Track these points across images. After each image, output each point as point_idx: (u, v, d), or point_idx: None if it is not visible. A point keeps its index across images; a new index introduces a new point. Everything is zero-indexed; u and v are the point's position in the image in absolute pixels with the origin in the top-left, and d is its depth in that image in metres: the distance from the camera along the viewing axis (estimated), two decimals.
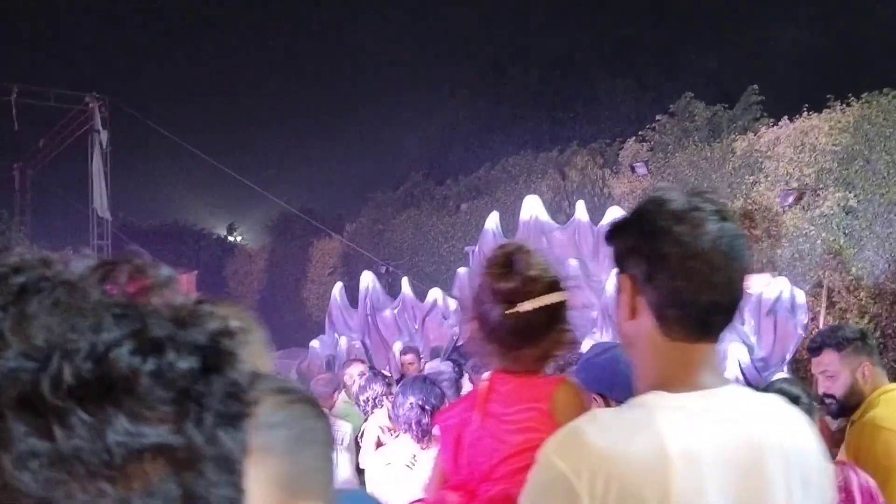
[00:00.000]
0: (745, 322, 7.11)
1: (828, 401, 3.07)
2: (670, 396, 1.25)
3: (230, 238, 32.66)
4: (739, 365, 6.76)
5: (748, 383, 6.83)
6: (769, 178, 15.27)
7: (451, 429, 1.85)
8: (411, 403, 3.79)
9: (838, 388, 3.01)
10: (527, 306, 1.74)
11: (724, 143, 16.59)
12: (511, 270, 1.78)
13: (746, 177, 15.57)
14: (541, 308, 1.75)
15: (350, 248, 23.87)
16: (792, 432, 1.33)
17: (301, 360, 9.88)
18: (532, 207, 8.68)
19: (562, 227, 8.48)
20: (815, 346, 3.12)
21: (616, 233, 1.38)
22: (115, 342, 0.42)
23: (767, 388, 3.14)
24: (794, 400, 2.69)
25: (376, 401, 4.53)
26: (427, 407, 3.80)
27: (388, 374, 5.18)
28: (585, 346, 7.30)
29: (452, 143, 26.64)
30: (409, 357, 7.38)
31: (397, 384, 5.08)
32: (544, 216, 8.64)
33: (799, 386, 3.10)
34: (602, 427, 1.23)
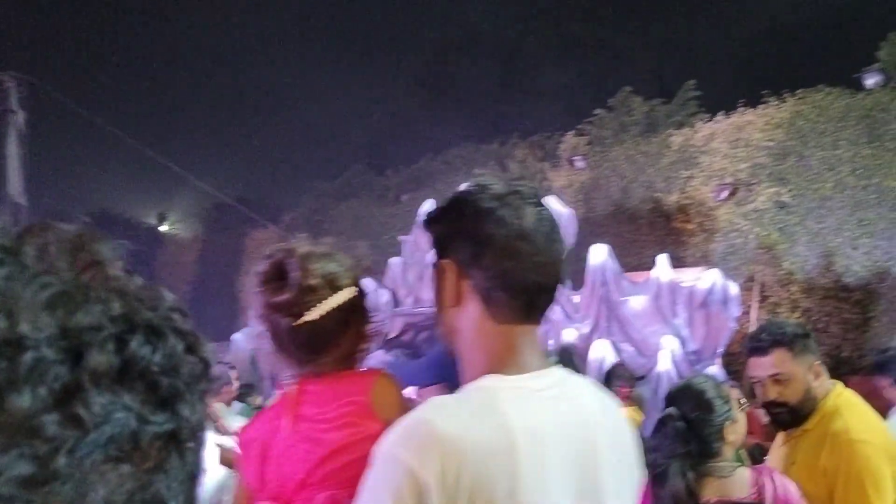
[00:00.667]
0: (678, 315, 7.02)
1: (777, 410, 2.61)
2: (507, 378, 1.23)
3: (161, 228, 31.67)
4: (672, 357, 6.68)
5: (681, 376, 6.75)
6: (704, 173, 15.38)
7: (255, 442, 1.66)
8: None
9: (793, 394, 2.57)
10: (313, 315, 1.61)
11: (660, 138, 16.66)
12: (285, 282, 1.63)
13: (682, 171, 15.66)
14: (331, 311, 1.62)
15: (287, 239, 23.38)
16: (610, 413, 1.35)
17: (225, 354, 9.50)
18: None
19: None
20: (762, 346, 2.62)
21: (436, 218, 1.35)
22: (128, 330, 0.45)
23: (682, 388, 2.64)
24: (707, 405, 2.42)
25: None
26: None
27: None
28: None
29: (394, 133, 26.34)
30: None
31: None
32: None
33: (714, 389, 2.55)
34: (449, 414, 1.17)
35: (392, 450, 1.14)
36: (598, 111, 18.63)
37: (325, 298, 1.62)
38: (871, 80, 12.96)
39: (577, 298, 7.29)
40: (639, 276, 7.36)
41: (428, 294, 8.38)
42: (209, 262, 26.02)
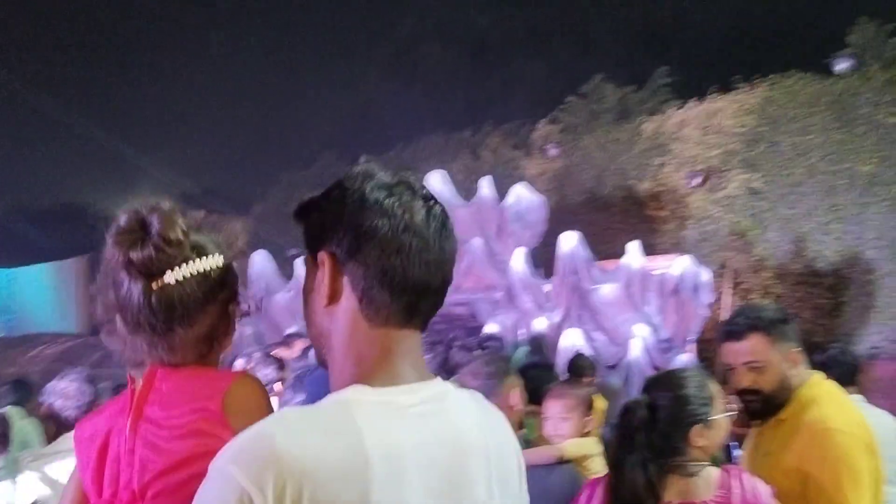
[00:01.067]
0: (649, 302, 6.91)
1: (749, 398, 2.45)
2: (372, 391, 1.11)
3: None
4: (644, 345, 6.56)
5: (653, 364, 6.65)
6: (676, 160, 15.36)
7: (94, 439, 1.44)
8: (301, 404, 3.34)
9: (768, 382, 2.41)
10: (174, 276, 1.41)
11: (632, 125, 16.59)
12: (146, 235, 1.41)
13: (654, 158, 15.63)
14: (192, 278, 1.42)
15: (257, 230, 23.11)
16: (493, 431, 1.25)
17: None
18: (435, 184, 8.27)
19: (466, 204, 8.10)
20: (738, 330, 2.46)
21: (314, 205, 1.21)
22: None
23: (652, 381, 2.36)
24: (681, 400, 2.17)
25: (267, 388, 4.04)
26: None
27: (282, 356, 4.57)
28: (490, 329, 6.99)
29: (365, 123, 26.05)
30: (297, 344, 6.88)
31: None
32: (449, 193, 8.25)
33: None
34: (292, 429, 1.04)
35: (225, 465, 1.02)
36: (569, 98, 18.49)
37: (189, 261, 1.42)
38: (841, 66, 12.95)
39: (547, 287, 7.16)
40: (610, 265, 7.24)
41: None
42: None
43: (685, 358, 6.54)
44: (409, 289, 1.14)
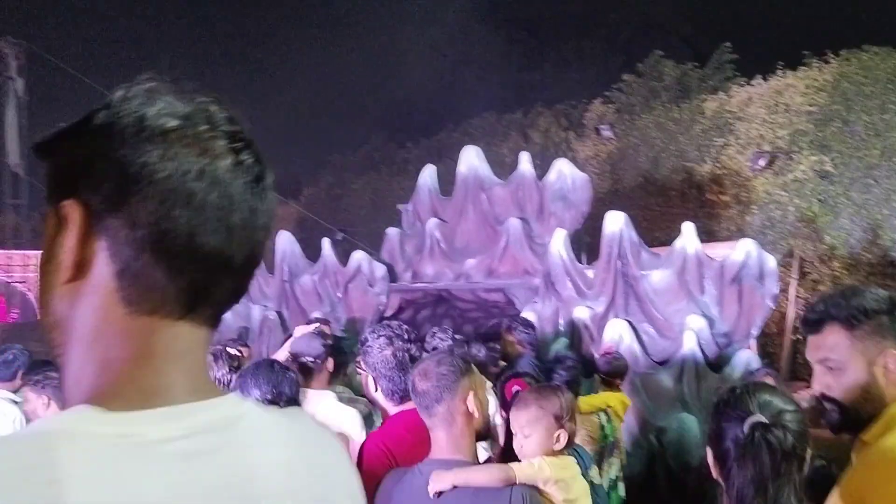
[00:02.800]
0: (706, 291, 6.17)
1: (828, 406, 1.92)
2: (104, 417, 0.72)
3: None
4: (698, 339, 5.84)
5: (708, 361, 5.91)
6: (740, 141, 14.63)
7: None
8: (255, 401, 2.76)
9: (845, 389, 1.87)
10: None
11: (693, 104, 15.94)
12: None
13: (716, 139, 14.94)
14: None
15: (306, 214, 22.93)
16: (312, 469, 0.87)
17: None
18: (470, 159, 7.63)
19: (503, 182, 7.45)
20: (814, 319, 1.95)
21: (65, 136, 0.79)
22: None
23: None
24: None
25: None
26: (280, 402, 2.80)
27: (237, 352, 3.97)
28: (527, 317, 6.34)
29: (415, 104, 25.55)
30: (323, 329, 6.39)
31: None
32: (485, 169, 7.60)
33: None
34: None
35: None
36: (626, 77, 17.73)
37: None
38: None
39: (590, 273, 6.46)
40: (663, 251, 6.51)
41: (431, 268, 7.60)
42: None
43: (747, 355, 5.79)
44: (197, 262, 0.76)
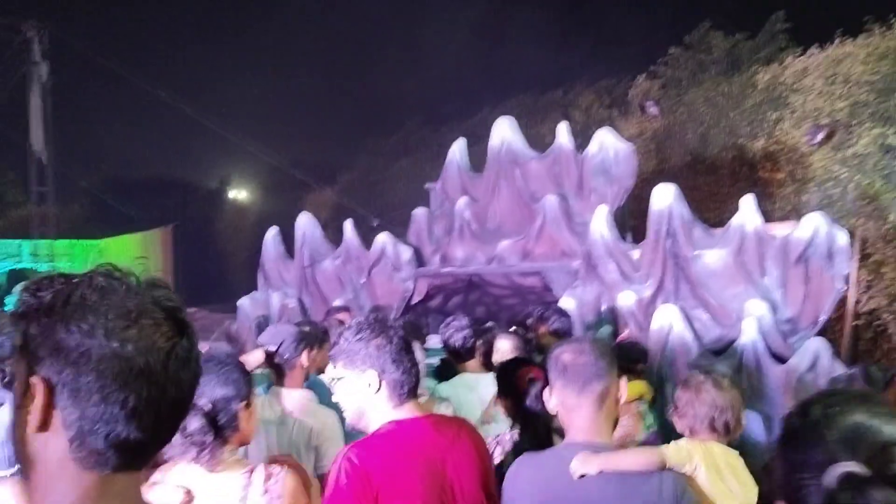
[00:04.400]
0: (768, 273, 5.47)
1: None
2: None
3: (226, 192, 31.21)
4: (759, 328, 5.15)
5: (770, 351, 5.23)
6: (795, 114, 13.81)
7: None
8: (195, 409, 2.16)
9: None
10: None
11: (744, 77, 15.12)
12: None
13: (769, 113, 14.14)
14: None
15: (341, 200, 22.56)
16: None
17: (229, 321, 8.38)
18: (503, 132, 7.00)
19: (540, 155, 6.80)
20: None
21: (39, 310, 0.99)
22: None
23: None
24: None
25: None
26: (232, 406, 2.20)
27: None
28: (566, 304, 5.73)
29: (452, 85, 24.93)
30: (342, 317, 5.84)
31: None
32: (519, 143, 6.96)
33: None
34: None
35: None
36: (672, 50, 16.89)
37: None
38: None
39: (636, 253, 5.81)
40: (718, 231, 5.84)
41: (461, 251, 7.01)
42: (268, 225, 25.42)
43: (816, 344, 5.09)
44: (132, 441, 0.99)
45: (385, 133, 24.96)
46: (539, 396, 3.02)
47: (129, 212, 23.59)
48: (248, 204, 29.02)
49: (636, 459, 2.22)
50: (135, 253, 22.58)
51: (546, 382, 3.10)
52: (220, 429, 2.16)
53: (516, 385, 3.14)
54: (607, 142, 6.38)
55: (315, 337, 3.61)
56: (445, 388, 4.03)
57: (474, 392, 3.62)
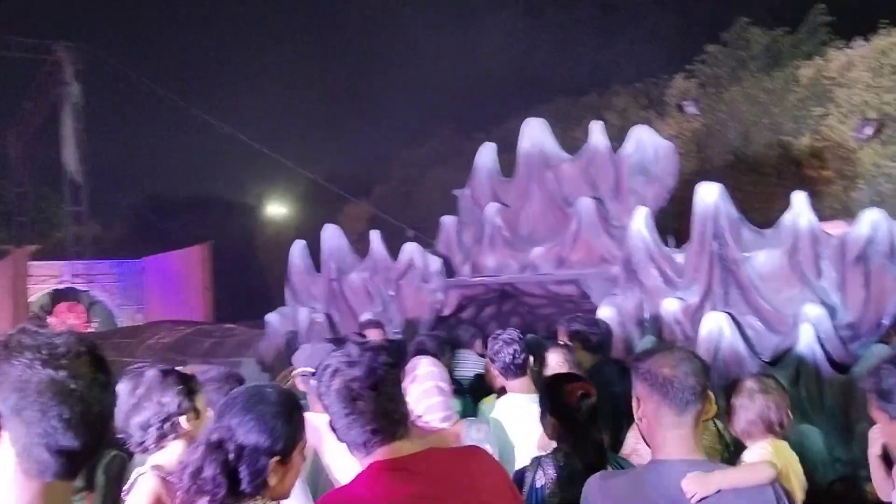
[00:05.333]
0: (824, 274, 5.07)
1: None
2: None
3: (264, 207, 31.35)
4: (817, 334, 4.75)
5: (830, 359, 4.82)
6: (841, 109, 13.33)
7: None
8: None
9: None
10: None
11: (786, 72, 14.67)
12: None
13: (814, 108, 13.67)
14: None
15: (376, 212, 22.42)
16: None
17: (259, 339, 8.16)
18: (534, 133, 6.68)
19: (573, 157, 6.46)
20: None
21: None
22: None
23: None
24: None
25: (160, 426, 2.45)
26: (261, 461, 1.86)
27: (188, 371, 2.94)
28: (605, 313, 5.39)
29: (483, 94, 24.65)
30: (372, 333, 5.57)
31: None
32: (551, 145, 6.63)
33: None
34: None
35: None
36: (710, 48, 16.44)
37: None
38: None
39: (680, 257, 5.44)
40: (767, 230, 5.44)
41: (492, 259, 6.70)
42: (306, 239, 25.38)
43: (881, 350, 4.67)
44: (69, 450, 1.20)
45: (418, 143, 24.79)
46: (592, 414, 2.83)
47: (167, 230, 23.70)
48: (286, 219, 29.10)
49: (752, 475, 2.21)
50: (174, 270, 22.66)
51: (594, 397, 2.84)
52: (238, 481, 1.84)
53: (565, 402, 2.87)
54: (645, 139, 6.02)
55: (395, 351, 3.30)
56: (493, 408, 3.72)
57: (530, 414, 3.26)
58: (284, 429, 1.88)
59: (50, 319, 22.96)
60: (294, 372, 3.74)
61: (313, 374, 2.94)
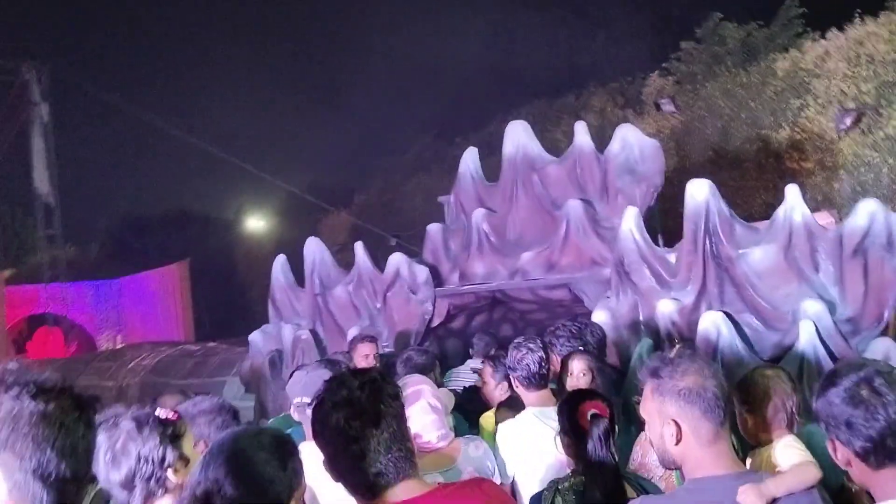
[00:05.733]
0: (821, 268, 4.95)
1: None
2: None
3: (242, 222, 31.01)
4: (817, 331, 4.63)
5: (832, 355, 4.69)
6: (819, 100, 13.30)
7: None
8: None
9: None
10: None
11: (762, 66, 14.65)
12: None
13: (792, 101, 13.64)
14: None
15: (357, 222, 22.22)
16: None
17: (241, 359, 7.94)
18: (517, 136, 6.54)
19: (558, 159, 6.32)
20: None
21: None
22: None
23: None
24: None
25: (145, 485, 2.13)
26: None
27: (170, 408, 2.60)
28: (599, 317, 5.24)
29: (461, 100, 24.58)
30: (365, 348, 5.37)
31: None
32: (535, 147, 6.50)
33: None
34: None
35: None
36: (684, 45, 16.42)
37: None
38: None
39: (672, 257, 5.31)
40: (760, 224, 5.32)
41: (481, 266, 6.54)
42: (286, 252, 25.10)
43: (885, 344, 4.56)
44: (62, 478, 1.22)
45: (398, 151, 24.65)
46: (605, 438, 2.66)
47: (144, 248, 23.36)
48: (265, 233, 28.80)
49: (801, 478, 2.20)
50: (153, 290, 22.31)
51: (611, 419, 2.67)
52: None
53: (578, 423, 2.71)
54: (630, 138, 5.90)
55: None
56: (494, 423, 3.55)
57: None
58: (278, 477, 1.70)
59: (28, 345, 22.54)
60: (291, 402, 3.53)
61: (310, 404, 2.75)
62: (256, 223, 30.52)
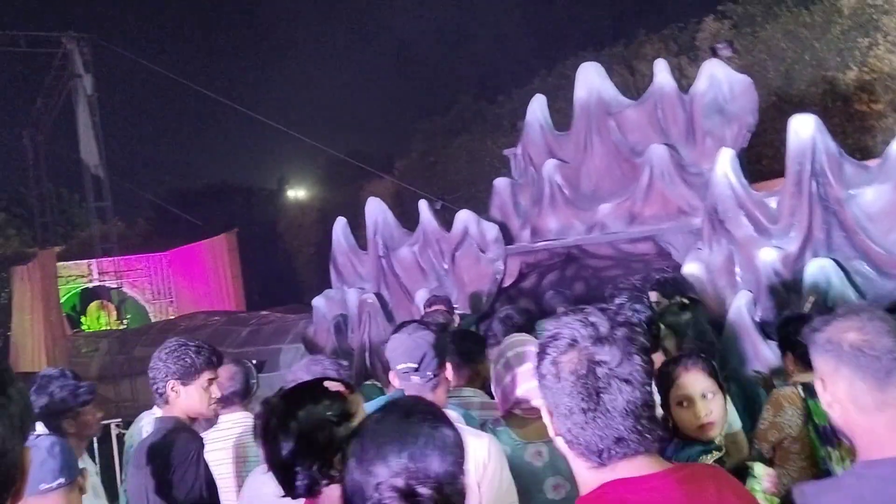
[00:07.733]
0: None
1: None
2: None
3: (286, 190, 30.96)
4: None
5: None
6: (889, 38, 12.57)
7: None
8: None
9: None
10: None
11: (826, 4, 13.85)
12: None
13: (859, 39, 12.91)
14: None
15: (400, 187, 21.93)
16: None
17: (306, 323, 7.71)
18: (590, 79, 6.09)
19: (636, 102, 5.88)
20: None
21: None
22: None
23: None
24: None
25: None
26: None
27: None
28: (691, 269, 4.86)
29: (503, 55, 23.97)
30: (438, 309, 5.08)
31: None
32: (610, 91, 6.05)
33: None
34: None
35: None
36: None
37: None
38: None
39: (773, 202, 4.87)
40: (872, 162, 4.85)
41: (554, 221, 6.16)
42: (329, 220, 24.95)
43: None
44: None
45: (439, 112, 24.18)
46: None
47: (191, 220, 23.38)
48: (308, 200, 28.71)
49: None
50: (202, 261, 22.35)
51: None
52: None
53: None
54: (719, 74, 5.44)
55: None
56: None
57: None
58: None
59: (82, 319, 22.81)
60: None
61: (416, 369, 2.43)
62: (299, 192, 30.45)
